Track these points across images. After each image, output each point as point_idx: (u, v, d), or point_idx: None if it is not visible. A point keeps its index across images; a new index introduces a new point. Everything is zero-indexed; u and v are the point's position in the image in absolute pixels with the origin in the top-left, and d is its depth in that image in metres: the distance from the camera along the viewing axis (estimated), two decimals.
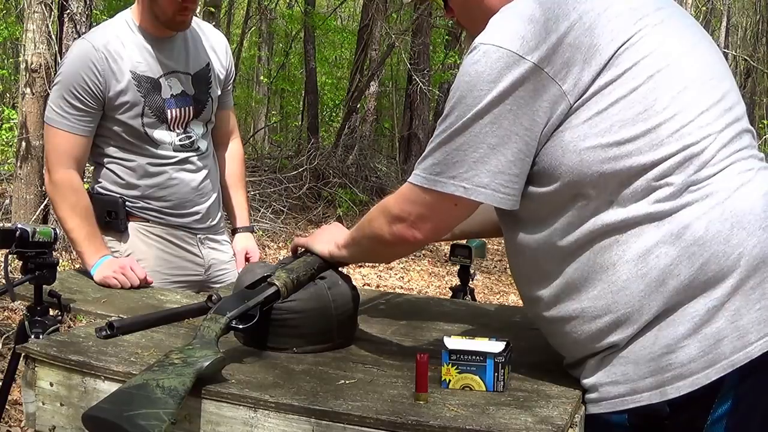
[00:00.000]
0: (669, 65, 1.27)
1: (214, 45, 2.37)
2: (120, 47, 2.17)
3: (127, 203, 2.24)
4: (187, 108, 2.25)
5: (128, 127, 2.19)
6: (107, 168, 2.24)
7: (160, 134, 2.22)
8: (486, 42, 1.27)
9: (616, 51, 1.25)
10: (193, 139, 2.28)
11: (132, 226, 2.26)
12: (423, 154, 1.33)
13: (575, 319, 1.32)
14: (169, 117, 2.22)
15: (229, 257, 2.43)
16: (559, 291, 1.33)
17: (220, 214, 2.44)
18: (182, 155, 2.26)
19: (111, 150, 2.23)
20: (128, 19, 2.22)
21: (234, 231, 2.50)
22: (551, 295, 1.35)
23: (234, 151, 2.53)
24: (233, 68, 2.47)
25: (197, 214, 2.32)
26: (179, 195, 2.27)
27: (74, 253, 5.98)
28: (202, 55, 2.31)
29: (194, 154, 2.29)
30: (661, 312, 1.25)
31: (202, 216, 2.33)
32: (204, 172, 2.32)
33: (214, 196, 2.38)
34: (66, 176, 2.17)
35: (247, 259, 2.43)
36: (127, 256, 2.21)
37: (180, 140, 2.25)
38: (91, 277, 2.11)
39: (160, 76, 2.21)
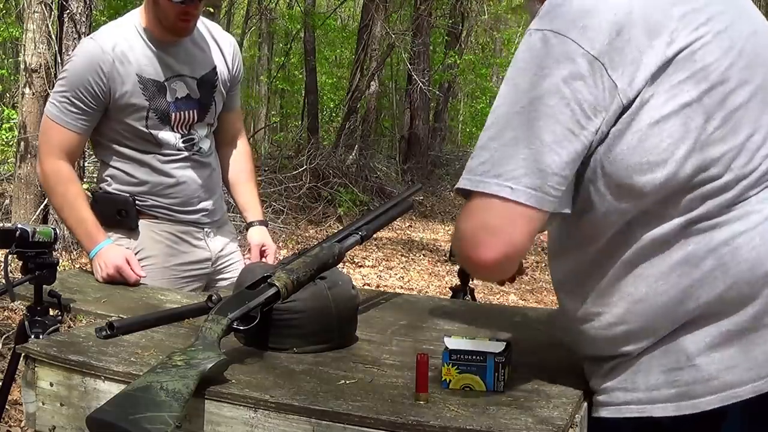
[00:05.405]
0: (724, 81, 1.18)
1: (222, 47, 2.37)
2: (128, 50, 2.18)
3: (137, 201, 2.26)
4: (191, 111, 2.27)
5: (133, 128, 2.20)
6: (116, 167, 2.25)
7: (164, 135, 2.24)
8: (542, 28, 1.17)
9: (675, 56, 1.15)
10: (195, 141, 2.30)
11: (142, 223, 2.27)
12: (471, 154, 1.20)
13: (591, 321, 1.28)
14: (173, 119, 2.24)
15: (235, 247, 2.45)
16: (583, 295, 1.28)
17: (224, 209, 2.47)
18: (185, 154, 2.28)
19: (119, 149, 2.24)
20: (136, 22, 2.23)
21: (248, 225, 2.48)
22: (575, 294, 1.30)
23: (242, 149, 2.54)
24: (241, 70, 2.47)
25: (205, 210, 2.35)
26: (187, 192, 2.30)
27: (74, 253, 6.00)
28: (209, 59, 2.32)
29: (197, 154, 2.31)
30: (678, 328, 1.21)
31: (210, 212, 2.36)
32: (208, 170, 2.34)
33: (218, 192, 2.41)
34: (54, 167, 2.19)
35: (262, 253, 2.41)
36: (137, 253, 2.22)
37: (183, 141, 2.27)
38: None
39: (166, 80, 2.22)
